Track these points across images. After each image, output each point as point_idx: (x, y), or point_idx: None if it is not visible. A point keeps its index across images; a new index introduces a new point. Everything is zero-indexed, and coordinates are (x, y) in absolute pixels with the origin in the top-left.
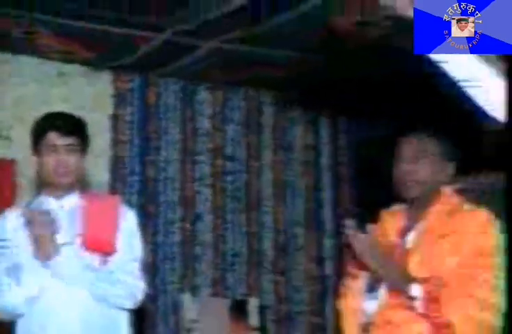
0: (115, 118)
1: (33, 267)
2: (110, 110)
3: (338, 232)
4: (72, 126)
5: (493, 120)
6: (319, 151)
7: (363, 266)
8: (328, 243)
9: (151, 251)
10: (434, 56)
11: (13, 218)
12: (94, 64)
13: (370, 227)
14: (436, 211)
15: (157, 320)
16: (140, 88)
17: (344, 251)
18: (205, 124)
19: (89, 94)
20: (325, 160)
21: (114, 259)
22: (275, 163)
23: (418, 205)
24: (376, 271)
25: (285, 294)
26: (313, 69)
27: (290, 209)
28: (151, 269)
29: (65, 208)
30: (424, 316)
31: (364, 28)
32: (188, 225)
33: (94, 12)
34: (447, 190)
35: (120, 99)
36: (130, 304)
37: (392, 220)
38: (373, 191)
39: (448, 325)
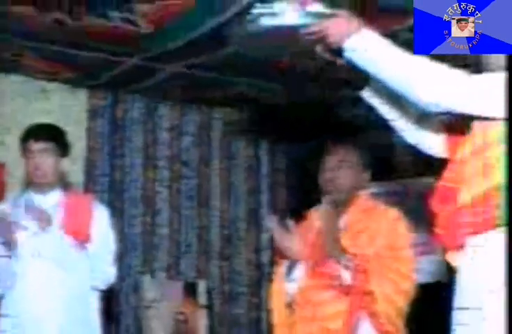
0: (89, 129)
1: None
2: (85, 122)
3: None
4: (46, 134)
5: (402, 139)
6: (259, 159)
7: (282, 255)
8: (264, 236)
9: (118, 240)
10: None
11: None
12: (73, 83)
13: (290, 222)
14: (353, 211)
15: (121, 299)
16: (111, 104)
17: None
18: (164, 135)
19: (68, 108)
20: (264, 167)
21: (92, 249)
22: (221, 170)
23: (339, 206)
24: (294, 254)
25: (229, 278)
26: (255, 92)
27: (234, 207)
28: (117, 255)
29: (49, 203)
30: (350, 287)
31: (303, 61)
32: (148, 219)
33: (76, 40)
34: (364, 193)
35: (93, 113)
36: (103, 286)
37: (317, 217)
38: (304, 194)
39: (371, 293)
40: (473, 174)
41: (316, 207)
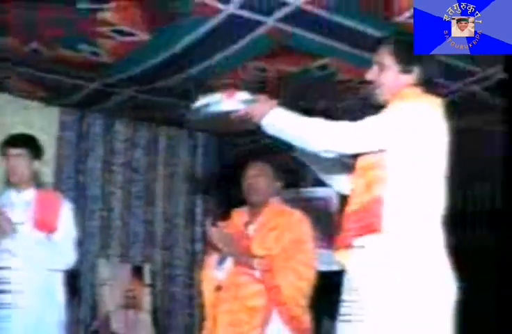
0: (59, 139)
1: None
2: (56, 133)
3: (205, 223)
4: (21, 141)
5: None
6: (196, 168)
7: (216, 249)
8: (198, 230)
9: (79, 230)
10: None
11: None
12: (48, 101)
13: (221, 223)
14: (266, 212)
15: (81, 278)
16: (78, 119)
17: (207, 237)
18: (119, 146)
19: (43, 121)
20: (200, 174)
21: (57, 236)
22: (165, 176)
23: (256, 207)
24: (226, 253)
25: (169, 263)
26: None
27: (174, 206)
28: (78, 242)
29: (24, 199)
30: (261, 281)
31: None
32: (105, 214)
33: (51, 66)
34: (275, 198)
35: (63, 126)
36: (65, 267)
37: (240, 216)
38: (232, 196)
39: (276, 287)
40: (359, 189)
41: (238, 208)
